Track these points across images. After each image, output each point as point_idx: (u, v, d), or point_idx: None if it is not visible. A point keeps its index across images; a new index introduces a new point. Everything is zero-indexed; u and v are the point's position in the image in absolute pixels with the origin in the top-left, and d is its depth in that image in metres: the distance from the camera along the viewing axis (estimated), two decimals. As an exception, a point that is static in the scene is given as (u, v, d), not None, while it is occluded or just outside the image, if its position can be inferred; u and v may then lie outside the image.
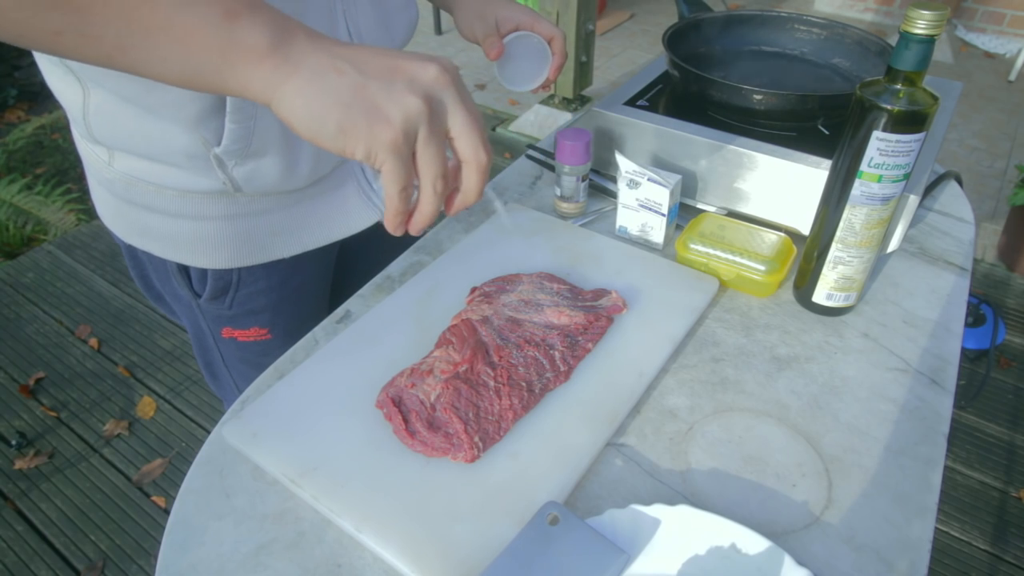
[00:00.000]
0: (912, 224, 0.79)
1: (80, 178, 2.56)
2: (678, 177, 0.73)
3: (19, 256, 2.25)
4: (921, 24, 0.51)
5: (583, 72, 2.83)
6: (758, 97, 0.74)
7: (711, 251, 0.70)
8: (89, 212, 2.40)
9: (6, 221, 2.28)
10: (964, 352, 1.76)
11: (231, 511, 0.52)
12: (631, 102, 0.83)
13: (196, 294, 0.75)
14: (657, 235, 0.76)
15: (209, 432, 1.28)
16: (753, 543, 0.45)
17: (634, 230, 0.78)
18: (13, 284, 2.14)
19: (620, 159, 0.73)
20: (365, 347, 0.63)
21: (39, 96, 3.15)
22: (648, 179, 0.72)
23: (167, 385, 1.80)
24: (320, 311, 0.85)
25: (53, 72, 0.60)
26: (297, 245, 0.74)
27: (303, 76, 0.39)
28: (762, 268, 0.68)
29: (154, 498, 1.52)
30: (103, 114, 0.61)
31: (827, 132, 0.76)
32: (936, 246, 0.77)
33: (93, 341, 1.92)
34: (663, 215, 0.74)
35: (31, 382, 1.80)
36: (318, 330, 0.68)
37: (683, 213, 0.81)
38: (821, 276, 0.66)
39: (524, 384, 0.57)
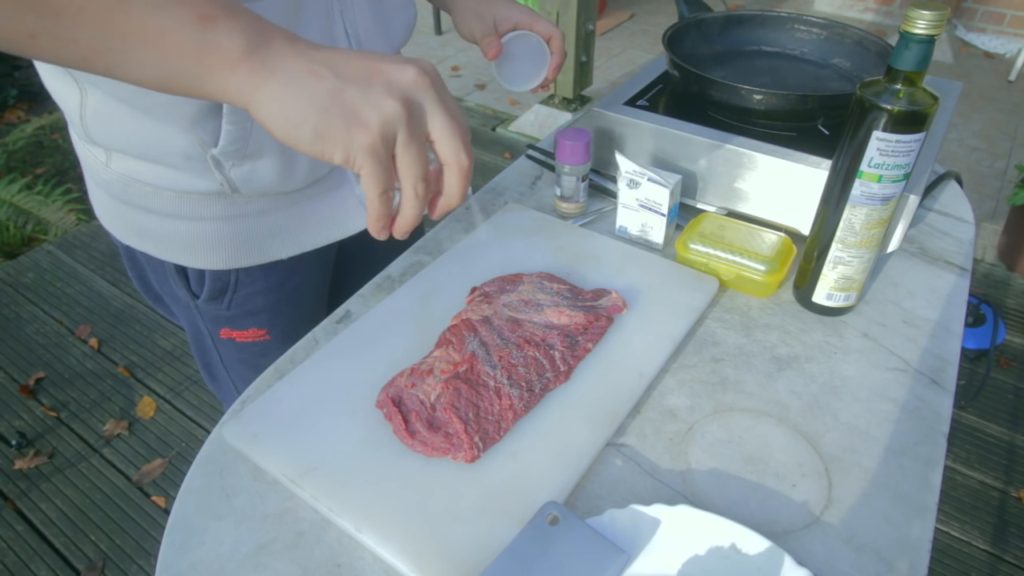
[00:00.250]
0: (912, 224, 0.79)
1: (80, 178, 2.56)
2: (678, 177, 0.73)
3: (19, 256, 2.25)
4: (921, 24, 0.51)
5: (583, 72, 2.83)
6: (758, 97, 0.74)
7: (711, 251, 0.70)
8: (89, 212, 2.40)
9: (6, 221, 2.28)
10: (964, 352, 1.76)
11: (231, 511, 0.52)
12: (631, 102, 0.83)
13: (194, 295, 0.75)
14: (657, 235, 0.76)
15: (209, 432, 1.29)
16: (753, 543, 0.45)
17: (634, 230, 0.78)
18: (13, 284, 2.14)
19: (620, 159, 0.73)
20: (365, 347, 0.63)
21: (39, 96, 3.15)
22: (648, 179, 0.72)
23: (167, 385, 1.80)
24: (318, 312, 0.85)
25: (51, 73, 0.60)
26: (295, 246, 0.74)
27: (280, 80, 0.39)
28: (762, 268, 0.68)
29: (154, 498, 1.52)
30: (100, 115, 0.61)
31: (827, 132, 0.76)
32: (936, 246, 0.77)
33: (93, 341, 1.92)
34: (663, 215, 0.74)
35: (31, 382, 1.80)
36: (318, 330, 0.68)
37: (683, 213, 0.81)
38: (821, 276, 0.66)
39: (524, 384, 0.57)
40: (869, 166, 0.57)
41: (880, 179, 0.58)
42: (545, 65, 0.76)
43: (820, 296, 0.67)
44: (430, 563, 0.46)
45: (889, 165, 0.57)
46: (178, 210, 0.67)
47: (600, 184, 0.85)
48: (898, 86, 0.54)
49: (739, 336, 0.66)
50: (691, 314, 0.66)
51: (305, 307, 0.82)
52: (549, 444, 0.54)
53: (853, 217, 0.61)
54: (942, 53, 3.31)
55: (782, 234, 0.71)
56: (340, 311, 0.70)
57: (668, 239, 0.77)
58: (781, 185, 0.73)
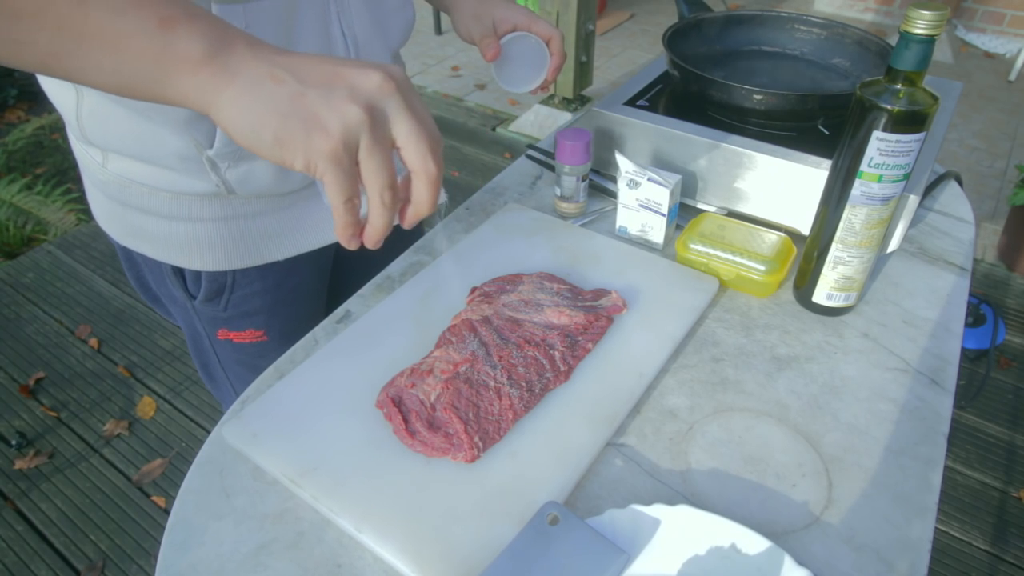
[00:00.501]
0: (912, 224, 0.79)
1: (80, 178, 2.56)
2: (678, 177, 0.73)
3: (19, 256, 2.25)
4: (921, 24, 0.51)
5: (583, 72, 2.83)
6: (758, 97, 0.74)
7: (711, 251, 0.70)
8: (89, 212, 2.38)
9: (6, 221, 2.28)
10: (964, 352, 1.76)
11: (231, 511, 0.52)
12: (631, 102, 0.83)
13: (191, 296, 0.75)
14: (657, 235, 0.76)
15: (209, 432, 1.28)
16: (753, 543, 0.45)
17: (634, 230, 0.78)
18: (13, 284, 2.14)
19: (620, 159, 0.73)
20: (365, 347, 0.63)
21: (39, 96, 3.15)
22: (648, 179, 0.72)
23: (167, 385, 1.80)
24: (317, 313, 0.85)
25: None
26: (292, 247, 0.74)
27: (240, 85, 0.38)
28: (762, 268, 0.68)
29: (154, 498, 1.52)
30: (96, 116, 0.61)
31: (827, 132, 0.76)
32: (936, 246, 0.77)
33: (93, 341, 1.92)
34: (663, 215, 0.74)
35: (31, 382, 1.80)
36: (318, 330, 0.68)
37: (683, 213, 0.81)
38: (821, 276, 0.66)
39: (524, 384, 0.57)
40: (869, 166, 0.57)
41: (880, 179, 0.58)
42: (544, 66, 0.76)
43: (820, 296, 0.67)
44: (430, 563, 0.46)
45: (889, 165, 0.57)
46: (174, 211, 0.67)
47: (600, 184, 0.85)
48: (898, 86, 0.54)
49: (739, 336, 0.66)
50: (691, 314, 0.66)
51: (303, 308, 0.82)
52: (549, 444, 0.54)
53: (853, 217, 0.61)
54: (942, 53, 3.31)
55: (782, 234, 0.71)
56: (340, 311, 0.70)
57: (668, 239, 0.77)
58: (781, 185, 0.73)
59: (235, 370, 0.84)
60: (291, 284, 0.78)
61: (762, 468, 0.54)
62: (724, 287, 0.72)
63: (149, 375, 1.82)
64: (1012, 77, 3.08)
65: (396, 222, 0.44)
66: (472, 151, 2.81)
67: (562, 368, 0.59)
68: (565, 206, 0.82)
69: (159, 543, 0.56)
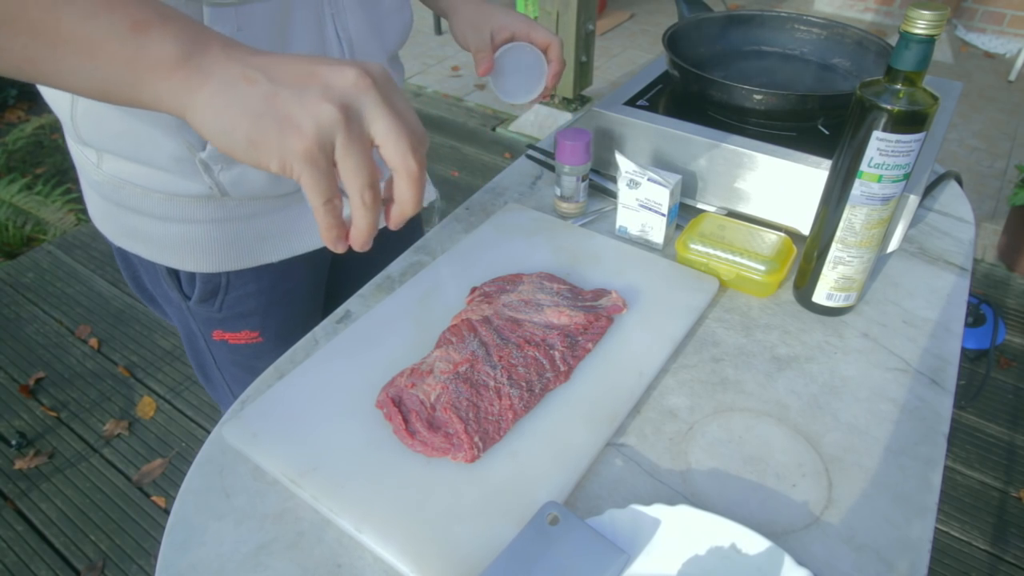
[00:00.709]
0: (912, 224, 0.79)
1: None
2: (678, 177, 0.73)
3: (19, 256, 2.25)
4: (921, 24, 0.51)
5: (583, 72, 2.83)
6: (758, 97, 0.74)
7: (711, 251, 0.70)
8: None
9: (6, 221, 2.27)
10: (964, 352, 1.76)
11: (231, 511, 0.52)
12: (631, 102, 0.83)
13: (186, 296, 0.74)
14: (657, 235, 0.76)
15: (209, 432, 1.28)
16: (753, 543, 0.45)
17: (634, 230, 0.78)
18: (13, 284, 2.14)
19: (620, 159, 0.73)
20: (365, 347, 0.63)
21: (39, 96, 3.12)
22: (648, 179, 0.72)
23: (167, 385, 1.80)
24: (312, 314, 0.84)
25: None
26: (286, 250, 0.74)
27: (213, 87, 0.38)
28: (762, 268, 0.68)
29: (154, 498, 1.52)
30: (90, 116, 0.60)
31: (827, 132, 0.76)
32: (936, 246, 0.77)
33: (93, 341, 1.92)
34: (663, 215, 0.74)
35: (31, 382, 1.80)
36: (318, 330, 0.68)
37: (683, 213, 0.81)
38: (821, 276, 0.66)
39: (524, 384, 0.57)
40: (869, 166, 0.57)
41: (880, 179, 0.58)
42: (543, 76, 0.74)
43: (820, 296, 0.67)
44: (430, 563, 0.46)
45: (889, 165, 0.57)
46: (168, 212, 0.67)
47: (600, 184, 0.85)
48: (898, 86, 0.54)
49: (739, 336, 0.66)
50: (691, 314, 0.66)
51: (298, 309, 0.82)
52: (549, 444, 0.54)
53: (853, 217, 0.61)
54: (942, 53, 3.31)
55: (782, 234, 0.71)
56: (340, 311, 0.70)
57: (668, 239, 0.77)
58: (781, 185, 0.73)
59: (231, 371, 0.83)
60: (286, 286, 0.78)
61: (762, 468, 0.54)
62: (724, 287, 0.72)
63: (149, 375, 1.82)
64: (1012, 77, 3.08)
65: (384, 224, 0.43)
66: (472, 151, 2.81)
67: (562, 368, 0.59)
68: (565, 206, 0.82)
69: (159, 543, 0.56)
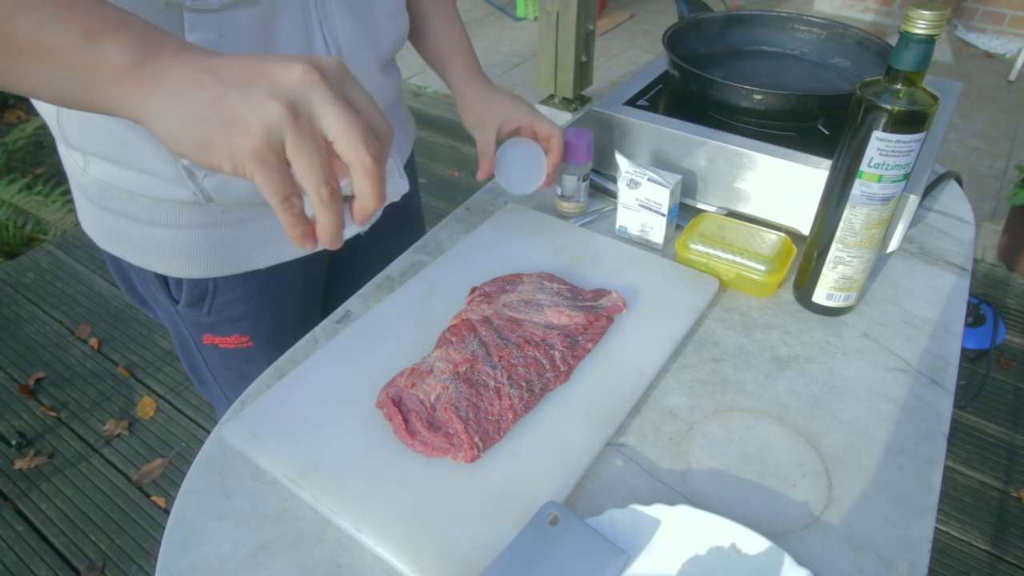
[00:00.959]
0: (912, 224, 0.79)
1: (80, 178, 2.56)
2: (678, 177, 0.73)
3: (19, 256, 2.25)
4: (921, 24, 0.51)
5: (583, 72, 2.83)
6: (758, 97, 0.74)
7: (711, 251, 0.70)
8: (89, 212, 2.40)
9: (6, 221, 2.28)
10: (964, 352, 1.76)
11: (231, 511, 0.52)
12: (631, 102, 0.83)
13: (174, 300, 0.74)
14: (657, 235, 0.76)
15: (209, 432, 1.29)
16: (753, 543, 0.45)
17: (634, 230, 0.78)
18: (13, 284, 2.14)
19: (620, 159, 0.73)
20: (365, 347, 0.63)
21: (39, 96, 3.14)
22: (648, 179, 0.72)
23: (167, 385, 1.80)
24: (305, 319, 0.82)
25: None
26: (273, 256, 0.73)
27: (164, 92, 0.38)
28: (762, 268, 0.68)
29: (154, 498, 1.52)
30: (75, 119, 0.60)
31: (827, 132, 0.76)
32: (936, 246, 0.77)
33: (93, 341, 1.92)
34: (663, 215, 0.74)
35: (31, 382, 1.80)
36: (318, 330, 0.68)
37: (683, 213, 0.81)
38: (821, 276, 0.66)
39: (524, 384, 0.57)
40: (869, 166, 0.57)
41: (880, 179, 0.58)
42: (543, 168, 0.76)
43: (820, 296, 0.67)
44: (430, 563, 0.46)
45: (889, 165, 0.57)
46: (154, 217, 0.66)
47: (600, 184, 0.85)
48: (898, 86, 0.54)
49: (739, 336, 0.66)
50: (691, 314, 0.66)
51: (288, 314, 0.81)
52: (549, 444, 0.54)
53: (853, 217, 0.61)
54: (942, 53, 3.31)
55: (782, 234, 0.71)
56: (340, 311, 0.70)
57: (668, 239, 0.77)
58: (781, 185, 0.73)
59: (223, 374, 0.83)
60: (275, 291, 0.77)
61: (762, 468, 0.54)
62: (724, 287, 0.72)
63: (149, 375, 1.82)
64: (1012, 77, 3.08)
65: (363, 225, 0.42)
66: (472, 151, 2.81)
67: (562, 368, 0.59)
68: (565, 206, 0.82)
69: (159, 543, 0.56)
